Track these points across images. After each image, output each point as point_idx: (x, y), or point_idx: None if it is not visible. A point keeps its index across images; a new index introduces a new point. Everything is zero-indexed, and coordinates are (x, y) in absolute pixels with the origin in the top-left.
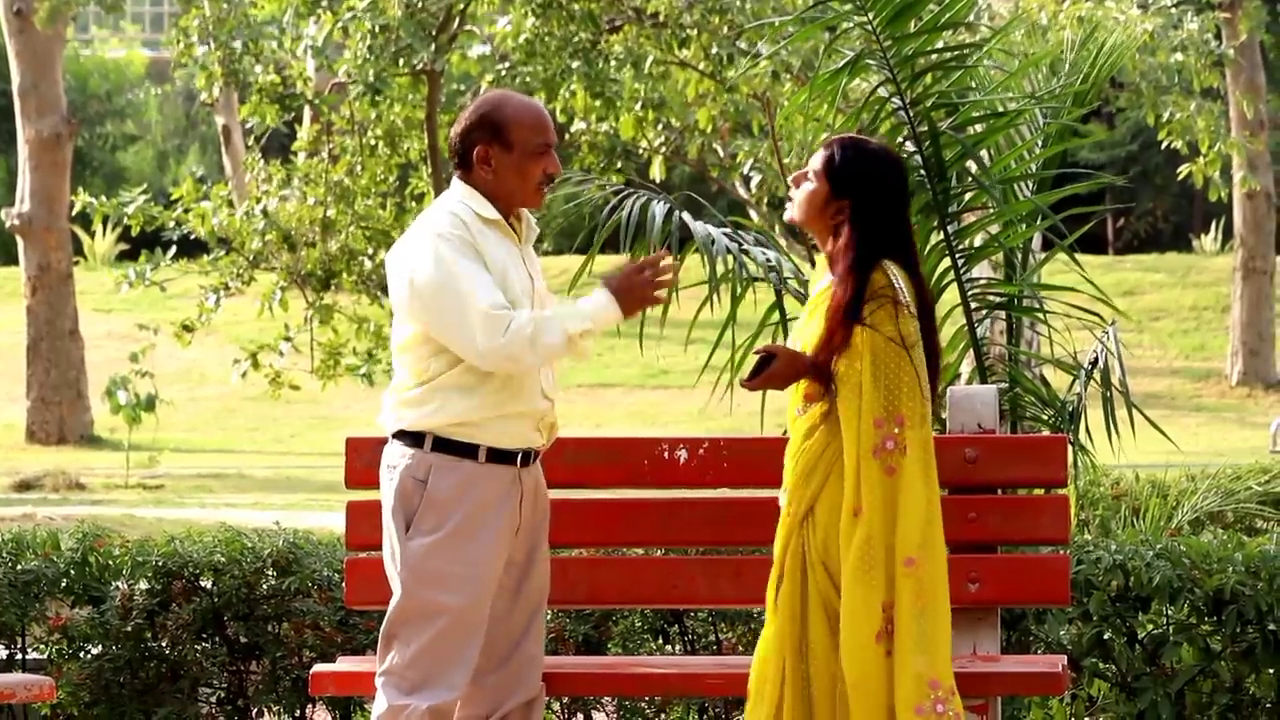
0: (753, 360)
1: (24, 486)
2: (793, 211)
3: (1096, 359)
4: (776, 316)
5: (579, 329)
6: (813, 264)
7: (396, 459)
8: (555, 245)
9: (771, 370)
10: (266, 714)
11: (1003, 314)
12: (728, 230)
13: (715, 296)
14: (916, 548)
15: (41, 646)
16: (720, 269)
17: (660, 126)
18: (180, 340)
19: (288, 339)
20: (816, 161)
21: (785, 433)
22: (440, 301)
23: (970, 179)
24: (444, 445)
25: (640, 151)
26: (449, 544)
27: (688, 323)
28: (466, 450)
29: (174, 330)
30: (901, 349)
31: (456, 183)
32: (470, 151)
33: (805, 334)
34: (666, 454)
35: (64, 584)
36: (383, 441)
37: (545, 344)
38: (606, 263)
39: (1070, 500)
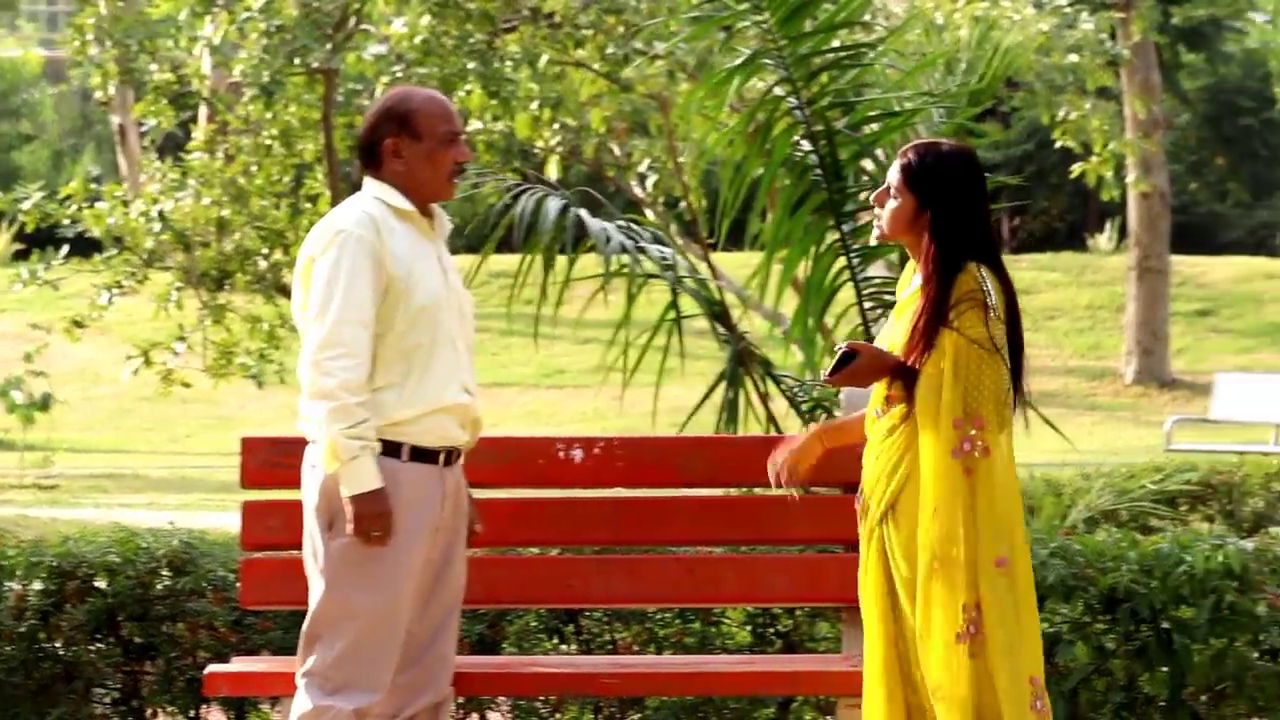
0: (834, 355)
1: None
2: (880, 228)
3: None
4: (673, 314)
5: (339, 440)
6: (709, 263)
7: (319, 458)
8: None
9: (854, 367)
10: (161, 714)
11: None
12: (624, 227)
13: (610, 295)
14: (1007, 548)
15: None
16: (616, 267)
17: (557, 126)
18: (70, 336)
19: (181, 339)
20: (895, 175)
21: (692, 429)
22: (315, 290)
23: (866, 178)
24: None
25: (536, 151)
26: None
27: (583, 323)
28: (389, 449)
29: (64, 326)
30: (985, 351)
31: (368, 181)
32: (379, 146)
33: (892, 335)
34: (562, 453)
35: None
36: (277, 441)
37: (329, 410)
38: (501, 262)
39: None
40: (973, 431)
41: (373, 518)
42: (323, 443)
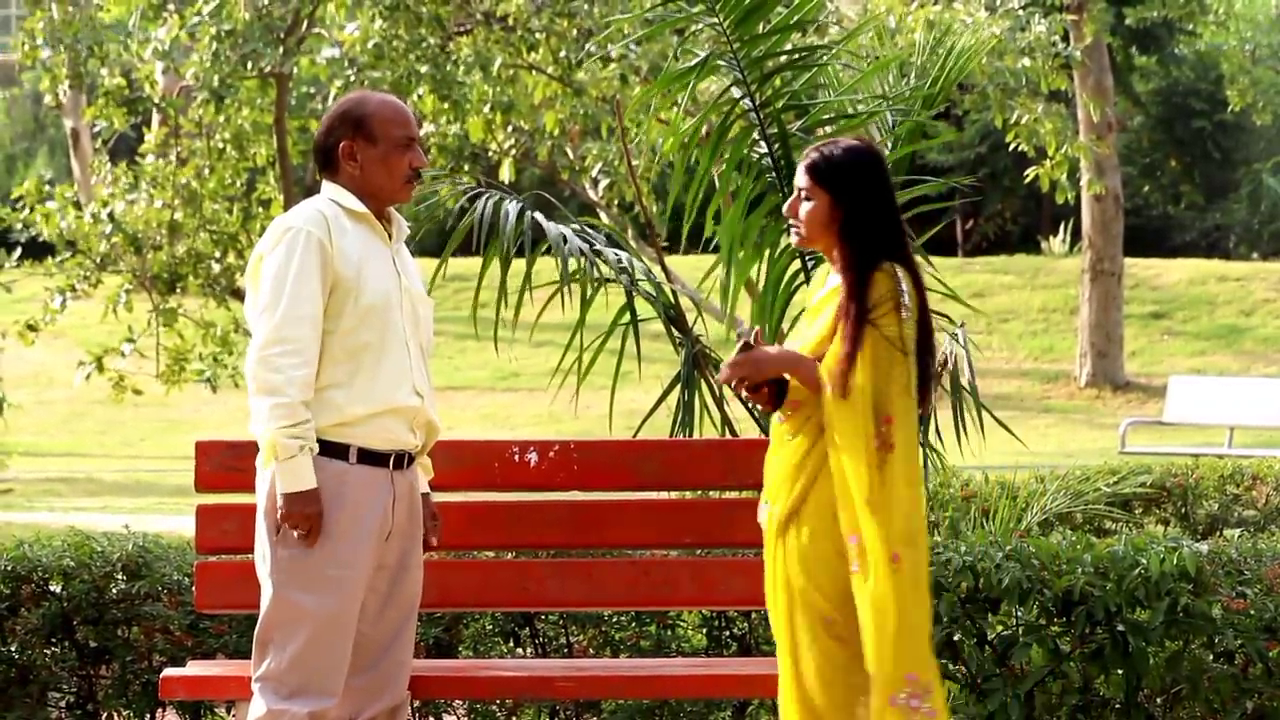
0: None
1: None
2: (800, 234)
3: (946, 360)
4: (628, 317)
5: (279, 438)
6: (663, 266)
7: (260, 455)
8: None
9: (751, 355)
10: (116, 718)
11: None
12: (579, 230)
13: (567, 297)
14: (901, 544)
15: None
16: (571, 269)
17: (510, 129)
18: (24, 340)
19: (130, 340)
20: (802, 178)
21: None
22: (264, 286)
23: None
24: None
25: (490, 154)
26: (319, 546)
27: (538, 326)
28: (337, 451)
29: (18, 329)
30: (897, 351)
31: (325, 184)
32: (335, 150)
33: (806, 336)
34: (517, 456)
35: None
36: (231, 445)
37: (272, 407)
38: (453, 265)
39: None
40: (882, 428)
41: (302, 517)
42: (262, 439)
